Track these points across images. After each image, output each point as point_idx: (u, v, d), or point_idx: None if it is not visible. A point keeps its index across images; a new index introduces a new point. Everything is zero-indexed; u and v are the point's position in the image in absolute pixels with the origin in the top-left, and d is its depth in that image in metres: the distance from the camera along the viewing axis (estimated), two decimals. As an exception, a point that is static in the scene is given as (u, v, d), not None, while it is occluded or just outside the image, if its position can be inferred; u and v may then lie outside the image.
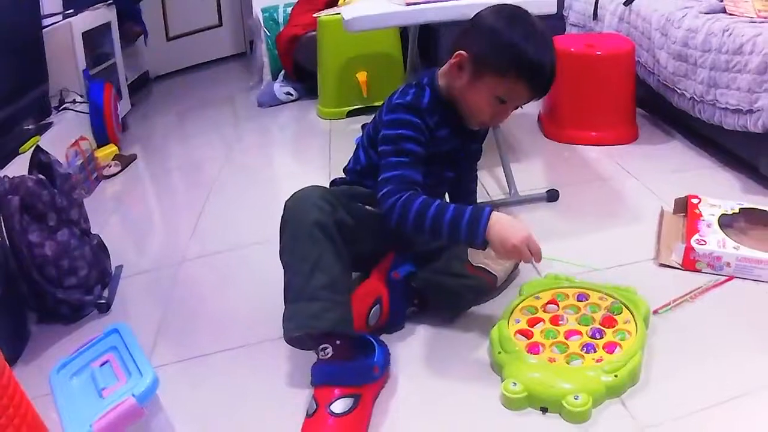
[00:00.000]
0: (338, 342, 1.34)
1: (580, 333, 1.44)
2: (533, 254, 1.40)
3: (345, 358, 1.34)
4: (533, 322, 1.50)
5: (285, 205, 1.44)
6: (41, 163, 1.98)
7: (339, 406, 1.28)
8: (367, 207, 1.55)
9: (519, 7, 1.54)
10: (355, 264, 1.55)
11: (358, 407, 1.29)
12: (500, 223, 1.39)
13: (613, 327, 1.45)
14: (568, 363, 1.36)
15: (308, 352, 1.40)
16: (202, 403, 1.47)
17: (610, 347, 1.38)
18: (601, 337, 1.42)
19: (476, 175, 1.91)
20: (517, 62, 1.45)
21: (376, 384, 1.37)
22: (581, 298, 1.57)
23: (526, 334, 1.46)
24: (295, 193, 1.45)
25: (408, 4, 2.10)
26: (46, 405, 1.31)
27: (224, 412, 1.43)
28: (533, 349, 1.41)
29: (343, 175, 1.74)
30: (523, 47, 1.44)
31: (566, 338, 1.43)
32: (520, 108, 1.59)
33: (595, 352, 1.37)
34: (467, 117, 1.59)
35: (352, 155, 1.75)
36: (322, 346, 1.34)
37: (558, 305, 1.55)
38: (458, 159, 1.71)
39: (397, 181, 1.46)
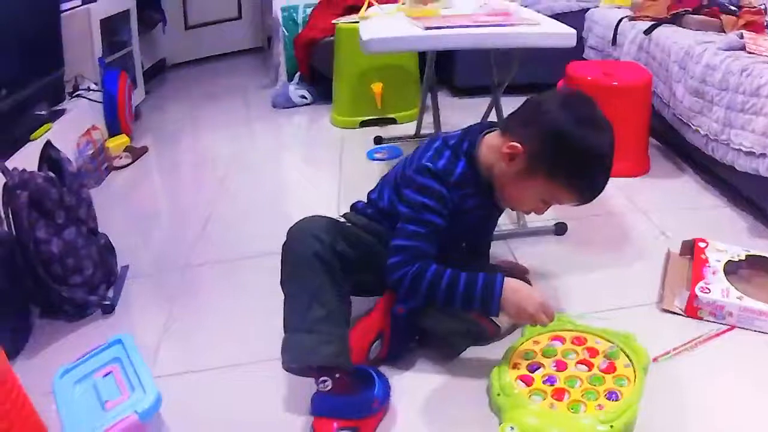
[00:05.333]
0: (338, 375, 1.35)
1: (580, 379, 1.44)
2: (550, 318, 1.43)
3: (345, 391, 1.35)
4: (533, 368, 1.50)
5: (288, 233, 1.46)
6: (51, 159, 1.99)
7: None
8: (368, 239, 1.56)
9: (587, 100, 1.48)
10: (360, 289, 1.57)
11: None
12: (514, 292, 1.42)
13: (613, 373, 1.45)
14: (570, 409, 1.36)
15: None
16: (202, 418, 1.48)
17: (610, 394, 1.38)
18: (602, 384, 1.42)
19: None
20: (577, 179, 1.45)
21: (375, 417, 1.38)
22: (579, 341, 1.57)
23: (527, 380, 1.46)
24: (298, 222, 1.47)
25: (427, 28, 2.08)
26: (47, 404, 1.33)
27: (224, 428, 1.45)
28: (560, 396, 1.41)
29: (365, 200, 1.71)
30: (589, 166, 1.43)
31: (566, 385, 1.43)
32: None
33: (596, 399, 1.38)
34: (502, 201, 1.58)
35: (378, 184, 1.70)
36: (321, 379, 1.34)
37: (557, 350, 1.54)
38: (484, 223, 1.74)
39: (410, 254, 1.45)
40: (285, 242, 1.45)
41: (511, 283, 1.43)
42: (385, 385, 1.43)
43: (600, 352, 1.51)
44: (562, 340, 1.57)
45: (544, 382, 1.44)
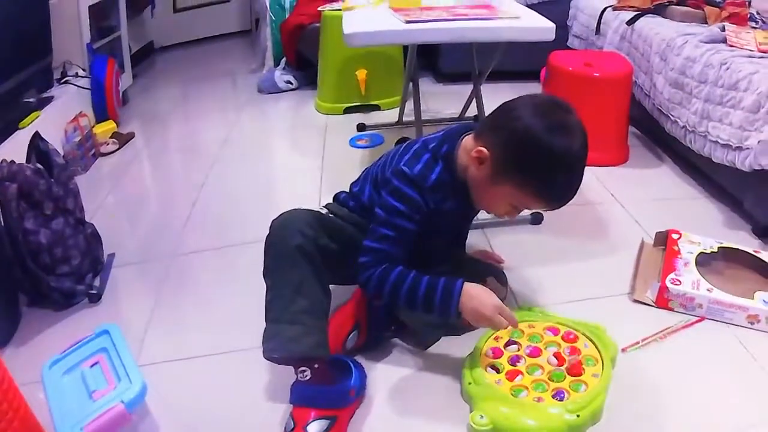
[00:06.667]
0: (316, 366, 1.38)
1: (542, 369, 1.50)
2: (509, 321, 1.45)
3: (323, 381, 1.39)
4: (509, 343, 1.58)
5: (271, 226, 1.48)
6: (39, 150, 2.01)
7: (315, 427, 1.34)
8: (350, 230, 1.58)
9: (561, 106, 1.44)
10: (342, 278, 1.61)
11: (333, 429, 1.35)
12: (471, 298, 1.44)
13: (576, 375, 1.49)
14: (511, 392, 1.43)
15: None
16: (187, 406, 1.52)
17: (558, 393, 1.42)
18: (559, 382, 1.46)
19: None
20: (546, 187, 1.43)
21: (351, 406, 1.43)
22: (550, 332, 1.62)
23: (496, 352, 1.54)
24: (281, 215, 1.49)
25: (408, 22, 2.09)
26: (35, 393, 1.36)
27: (208, 418, 1.48)
28: (512, 376, 1.48)
29: (347, 190, 1.71)
30: (557, 174, 1.40)
31: (526, 371, 1.50)
32: None
33: (543, 392, 1.43)
34: (476, 203, 1.58)
35: (361, 177, 1.72)
36: (301, 369, 1.38)
37: (518, 344, 1.59)
38: (461, 221, 1.77)
39: (378, 257, 1.48)
40: (268, 235, 1.47)
41: (469, 289, 1.44)
42: (362, 374, 1.49)
43: (580, 354, 1.53)
44: (556, 331, 1.61)
45: (509, 359, 1.52)
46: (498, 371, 1.50)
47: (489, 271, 1.73)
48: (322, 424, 1.34)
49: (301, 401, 1.38)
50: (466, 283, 1.45)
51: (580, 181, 1.44)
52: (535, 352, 1.55)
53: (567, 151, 1.38)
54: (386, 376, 1.57)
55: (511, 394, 1.42)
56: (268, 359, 1.43)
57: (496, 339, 1.60)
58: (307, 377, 1.38)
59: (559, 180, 1.42)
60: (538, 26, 2.10)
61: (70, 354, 1.45)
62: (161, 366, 1.65)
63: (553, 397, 1.40)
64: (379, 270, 1.46)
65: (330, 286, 1.51)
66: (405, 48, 3.32)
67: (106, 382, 1.34)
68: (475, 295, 1.44)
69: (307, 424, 1.34)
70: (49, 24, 2.93)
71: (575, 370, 1.47)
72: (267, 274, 1.46)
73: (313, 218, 1.49)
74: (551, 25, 2.08)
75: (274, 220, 1.49)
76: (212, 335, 1.77)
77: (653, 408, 1.44)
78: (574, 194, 1.46)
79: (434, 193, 1.49)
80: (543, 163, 1.38)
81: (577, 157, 1.40)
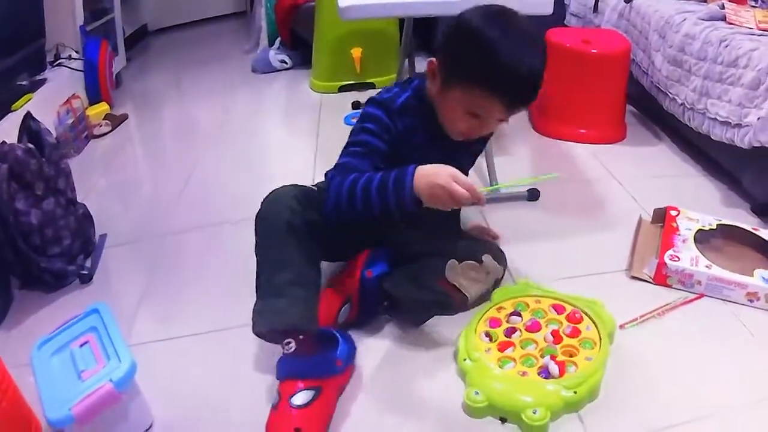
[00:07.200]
0: (301, 337, 1.37)
1: (536, 344, 1.49)
2: (467, 189, 1.33)
3: (307, 352, 1.38)
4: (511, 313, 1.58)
5: (261, 203, 1.48)
6: (31, 130, 1.99)
7: (300, 398, 1.31)
8: None
9: (504, 8, 1.43)
10: (337, 253, 1.62)
11: (319, 399, 1.32)
12: (424, 176, 1.36)
13: (578, 336, 1.49)
14: (498, 363, 1.43)
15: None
16: (179, 385, 1.51)
17: (543, 371, 1.41)
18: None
19: None
20: (484, 74, 1.38)
21: (339, 377, 1.41)
22: (555, 310, 1.60)
23: (496, 322, 1.55)
24: (270, 192, 1.50)
25: (403, -7, 2.05)
26: (26, 375, 1.34)
27: (199, 395, 1.48)
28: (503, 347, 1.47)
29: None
30: (493, 57, 1.35)
31: (520, 344, 1.49)
32: (505, 122, 1.51)
33: (531, 367, 1.43)
34: (443, 125, 1.54)
35: None
36: (286, 341, 1.36)
37: (521, 316, 1.58)
38: None
39: (339, 167, 1.47)
40: (258, 212, 1.48)
41: (423, 168, 1.37)
42: (350, 346, 1.46)
43: (581, 333, 1.51)
44: (561, 309, 1.59)
45: (504, 331, 1.52)
46: (491, 340, 1.50)
47: (486, 250, 1.69)
48: (307, 394, 1.32)
49: (287, 374, 1.36)
50: (420, 166, 1.38)
51: (526, 66, 1.37)
52: (534, 327, 1.53)
53: (502, 35, 1.36)
54: (379, 352, 1.55)
55: (498, 365, 1.41)
56: (256, 335, 1.43)
57: (499, 309, 1.60)
58: (292, 349, 1.36)
59: (500, 63, 1.35)
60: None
61: (60, 334, 1.42)
62: (152, 345, 1.64)
63: (539, 374, 1.39)
64: (338, 178, 1.44)
65: (322, 263, 1.50)
66: (401, 25, 3.28)
67: (95, 361, 1.32)
68: (429, 170, 1.36)
69: (292, 396, 1.31)
70: (42, 6, 2.90)
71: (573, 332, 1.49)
72: (257, 250, 1.46)
73: (300, 193, 1.50)
74: (550, -3, 2.04)
75: (264, 197, 1.49)
76: (203, 314, 1.75)
77: (651, 385, 1.42)
78: (524, 82, 1.39)
79: (402, 117, 1.51)
80: (479, 50, 1.37)
81: (512, 41, 1.37)
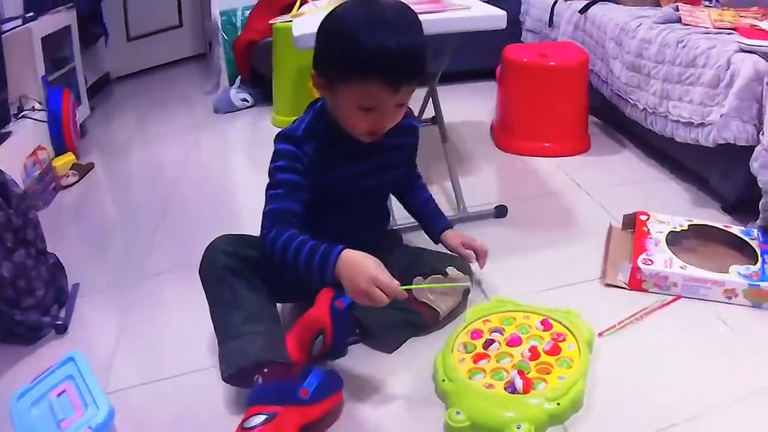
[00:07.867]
0: (266, 370, 1.36)
1: (511, 358, 1.45)
2: (388, 293, 1.29)
3: (273, 381, 1.36)
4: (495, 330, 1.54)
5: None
6: (-4, 182, 1.94)
7: (252, 421, 1.27)
8: None
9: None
10: (291, 291, 1.61)
11: (269, 424, 1.26)
12: (349, 266, 1.32)
13: (557, 354, 1.44)
14: (468, 374, 1.41)
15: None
16: (158, 428, 1.47)
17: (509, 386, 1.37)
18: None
19: (422, 184, 1.86)
20: (353, 62, 1.34)
21: (302, 407, 1.32)
22: (542, 326, 1.55)
23: (478, 333, 1.53)
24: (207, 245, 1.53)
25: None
26: (5, 427, 1.34)
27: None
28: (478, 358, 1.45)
29: None
30: (354, 41, 1.32)
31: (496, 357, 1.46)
32: (405, 105, 1.46)
33: (500, 380, 1.40)
34: (352, 133, 1.48)
35: None
36: (255, 378, 1.35)
37: (504, 331, 1.54)
38: (369, 187, 1.62)
39: (269, 216, 1.45)
40: (198, 268, 1.52)
41: (349, 257, 1.33)
42: (324, 380, 1.36)
43: (561, 352, 1.46)
44: (548, 326, 1.54)
45: (483, 343, 1.49)
46: (467, 350, 1.48)
47: (450, 262, 1.67)
48: (258, 418, 1.27)
49: (249, 401, 1.32)
50: (348, 250, 1.34)
51: (392, 41, 1.31)
52: (514, 341, 1.49)
53: (361, 20, 1.34)
54: (355, 380, 1.50)
55: (468, 376, 1.39)
56: (226, 382, 1.42)
57: (485, 322, 1.57)
58: (260, 383, 1.35)
59: (362, 45, 1.31)
60: (490, 14, 2.05)
61: (37, 384, 1.40)
62: (130, 391, 1.59)
63: (505, 388, 1.36)
64: (272, 234, 1.40)
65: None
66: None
67: (73, 409, 1.30)
68: (354, 264, 1.32)
69: (245, 420, 1.28)
70: (3, 58, 2.85)
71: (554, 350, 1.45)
72: (208, 301, 1.49)
73: (233, 238, 1.54)
74: (502, 12, 2.02)
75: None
76: (179, 356, 1.70)
77: (636, 390, 1.39)
78: (395, 57, 1.32)
79: (308, 141, 1.48)
80: (342, 41, 1.35)
81: (373, 22, 1.33)
